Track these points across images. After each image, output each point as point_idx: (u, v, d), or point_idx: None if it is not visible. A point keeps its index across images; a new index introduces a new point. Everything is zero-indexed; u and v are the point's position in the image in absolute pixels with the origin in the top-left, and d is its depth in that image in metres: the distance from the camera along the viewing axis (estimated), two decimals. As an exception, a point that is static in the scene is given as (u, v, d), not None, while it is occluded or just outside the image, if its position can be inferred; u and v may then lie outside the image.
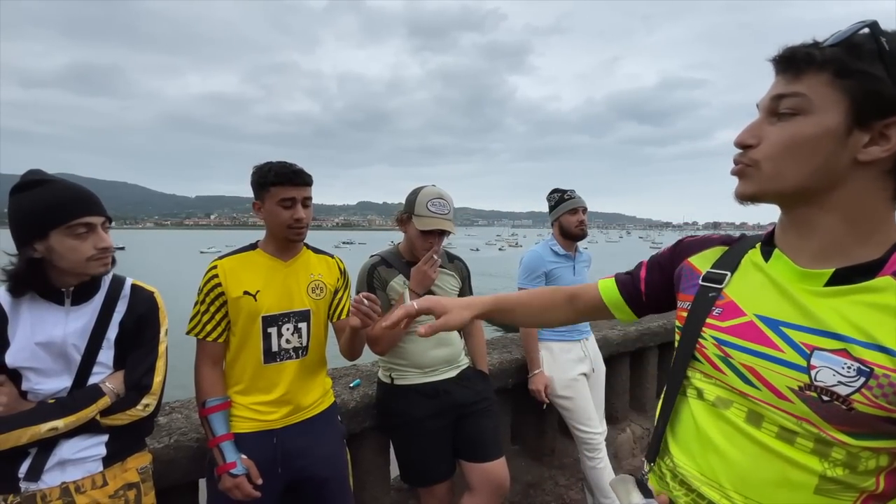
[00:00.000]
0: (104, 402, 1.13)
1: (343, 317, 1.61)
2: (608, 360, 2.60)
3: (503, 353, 2.47)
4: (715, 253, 0.81)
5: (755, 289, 0.71)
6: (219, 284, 1.42)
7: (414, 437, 1.70)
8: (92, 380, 1.16)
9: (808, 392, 0.62)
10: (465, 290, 1.90)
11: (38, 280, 1.12)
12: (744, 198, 0.70)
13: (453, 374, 1.79)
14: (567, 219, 2.25)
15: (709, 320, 0.74)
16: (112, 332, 1.19)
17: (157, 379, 1.22)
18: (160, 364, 1.24)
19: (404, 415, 1.71)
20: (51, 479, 1.09)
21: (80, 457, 1.12)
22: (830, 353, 0.61)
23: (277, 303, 1.46)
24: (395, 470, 1.91)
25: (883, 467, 0.62)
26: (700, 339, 0.75)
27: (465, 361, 1.87)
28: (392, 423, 1.75)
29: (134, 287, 1.27)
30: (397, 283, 1.73)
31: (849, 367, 0.59)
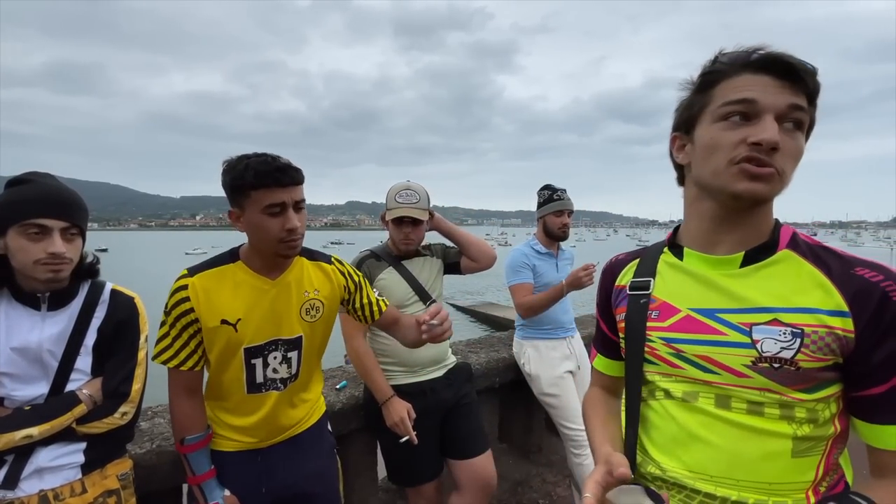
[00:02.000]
0: (80, 409, 1.11)
1: (377, 317, 1.43)
2: (594, 358, 2.63)
3: (490, 353, 2.48)
4: (630, 268, 0.88)
5: (680, 286, 0.78)
6: (191, 310, 1.16)
7: (401, 437, 1.70)
8: (69, 386, 1.13)
9: (760, 364, 0.69)
10: (451, 254, 1.92)
11: (1, 276, 1.09)
12: (761, 201, 0.71)
13: (440, 373, 1.80)
14: (552, 219, 2.28)
15: (650, 323, 0.79)
16: (90, 338, 1.17)
17: (136, 387, 1.20)
18: (139, 371, 1.21)
19: (391, 415, 1.71)
20: (28, 486, 1.06)
21: (58, 464, 1.10)
22: (765, 325, 0.69)
23: (262, 331, 1.23)
24: (382, 471, 1.91)
25: (835, 413, 0.71)
26: (648, 343, 0.79)
27: (451, 360, 1.88)
28: (379, 424, 1.74)
29: (114, 292, 1.24)
30: (385, 275, 1.75)
31: (784, 333, 0.67)
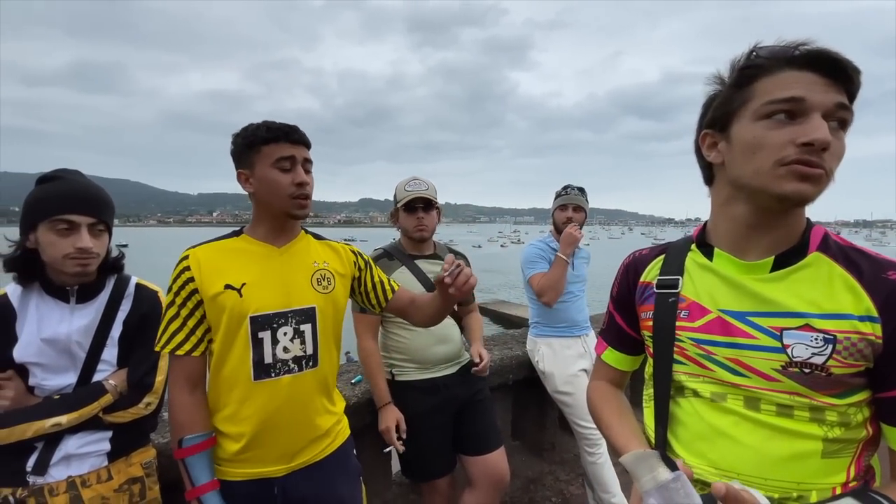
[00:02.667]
0: (107, 399, 1.14)
1: (390, 297, 1.37)
2: (608, 357, 2.61)
3: (504, 350, 2.48)
4: (656, 264, 0.86)
5: (711, 287, 0.77)
6: (191, 279, 1.10)
7: (415, 432, 1.72)
8: (96, 377, 1.17)
9: (790, 369, 0.68)
10: None
11: (31, 269, 1.13)
12: (804, 202, 0.69)
13: (454, 370, 1.81)
14: (557, 213, 2.30)
15: (680, 323, 0.78)
16: (116, 330, 1.20)
17: (159, 378, 1.22)
18: (162, 363, 1.23)
19: (405, 410, 1.73)
20: (57, 472, 1.10)
21: (85, 451, 1.14)
22: (796, 330, 0.68)
23: (270, 299, 1.13)
24: (395, 464, 1.93)
25: (868, 417, 0.70)
26: (677, 342, 0.78)
27: (465, 358, 1.89)
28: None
29: (138, 286, 1.27)
30: (398, 275, 1.76)
31: (816, 339, 0.67)
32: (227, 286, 1.11)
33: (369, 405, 1.87)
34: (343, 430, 1.32)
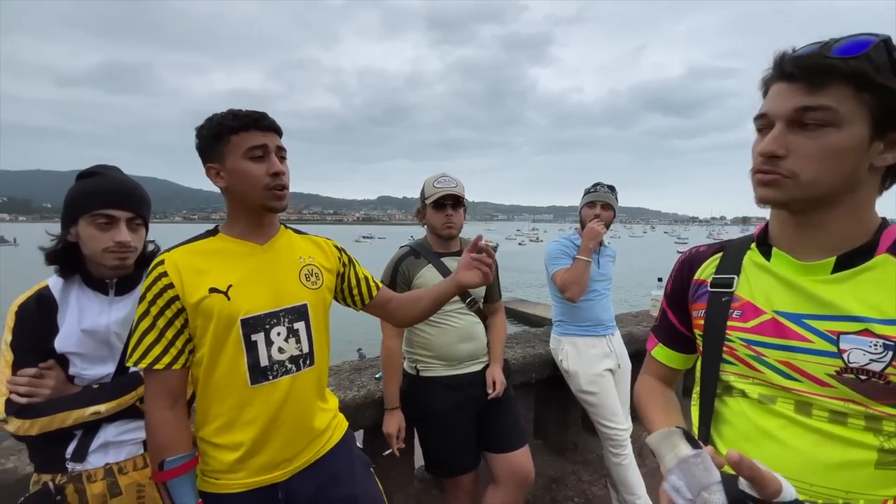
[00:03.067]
0: (142, 389, 1.16)
1: (374, 293, 1.34)
2: (633, 357, 2.57)
3: (526, 348, 2.46)
4: (712, 262, 0.85)
5: (767, 287, 0.75)
6: (170, 286, 1.01)
7: (439, 428, 1.73)
8: (133, 367, 1.20)
9: (845, 375, 0.66)
10: (494, 280, 1.90)
11: (72, 263, 1.16)
12: (772, 204, 0.73)
13: (478, 367, 1.81)
14: (585, 211, 2.25)
15: (731, 323, 0.77)
16: None
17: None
18: None
19: (429, 406, 1.74)
20: (95, 460, 1.14)
21: (123, 440, 1.17)
22: (855, 335, 0.66)
23: (260, 299, 1.08)
24: (419, 459, 1.94)
25: None
26: (727, 342, 0.77)
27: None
28: (417, 413, 1.77)
29: None
30: (425, 272, 1.75)
31: (875, 345, 0.64)
32: (212, 290, 1.04)
33: (394, 400, 1.89)
34: (340, 425, 1.28)
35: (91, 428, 1.14)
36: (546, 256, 2.26)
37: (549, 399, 2.59)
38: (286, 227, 1.24)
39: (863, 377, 0.65)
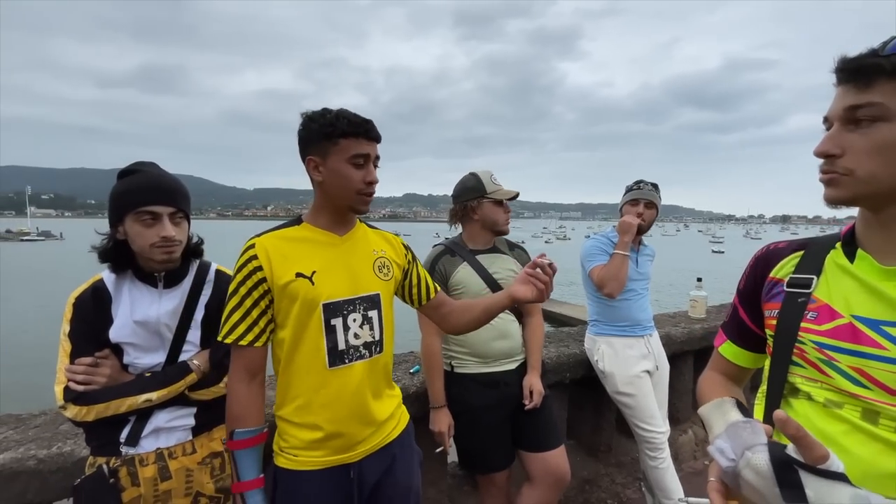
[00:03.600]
0: (192, 378, 1.21)
1: (433, 296, 1.39)
2: (671, 359, 2.49)
3: (560, 347, 2.43)
4: (791, 260, 0.82)
5: (847, 290, 0.73)
6: (259, 268, 1.10)
7: (474, 425, 1.72)
8: (182, 356, 1.25)
9: None
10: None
11: (124, 259, 1.20)
12: (837, 203, 0.72)
13: (513, 366, 1.79)
14: (627, 209, 2.18)
15: (805, 324, 0.75)
16: (199, 313, 1.28)
17: None
18: None
19: (463, 403, 1.74)
20: (147, 444, 1.18)
21: (173, 426, 1.21)
22: None
23: (340, 286, 1.16)
24: (451, 454, 1.95)
25: None
26: (798, 344, 0.75)
27: (524, 354, 1.86)
28: (451, 409, 1.78)
29: (218, 272, 1.35)
30: (461, 270, 1.76)
31: None
32: (299, 274, 1.12)
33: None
34: (404, 414, 1.36)
35: (143, 414, 1.18)
36: (582, 254, 2.22)
37: (583, 399, 2.55)
38: (360, 221, 1.32)
39: None
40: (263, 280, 1.11)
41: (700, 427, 2.94)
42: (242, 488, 1.08)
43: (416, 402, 1.88)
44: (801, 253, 0.82)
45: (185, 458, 1.21)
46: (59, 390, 1.12)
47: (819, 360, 0.73)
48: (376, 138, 1.17)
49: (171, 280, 1.26)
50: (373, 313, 1.21)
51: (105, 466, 1.13)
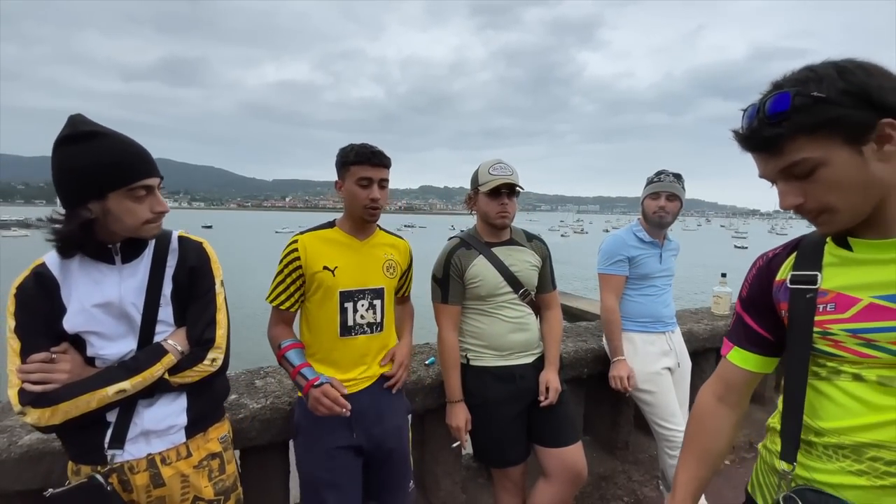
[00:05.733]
0: (168, 360, 1.08)
1: (407, 294, 1.76)
2: (694, 356, 2.43)
3: (578, 342, 2.39)
4: (789, 262, 0.86)
5: (856, 276, 0.76)
6: (297, 258, 1.47)
7: (490, 419, 1.70)
8: (157, 339, 1.11)
9: None
10: (546, 268, 1.85)
11: (88, 241, 1.05)
12: (838, 234, 0.78)
13: (529, 360, 1.76)
14: (648, 202, 2.10)
15: (825, 317, 0.77)
16: (167, 287, 1.14)
17: (220, 332, 1.17)
18: (220, 317, 1.18)
19: (479, 395, 1.72)
20: (136, 450, 1.07)
21: (164, 426, 1.11)
22: None
23: (354, 279, 1.50)
24: (466, 448, 1.94)
25: None
26: (830, 336, 0.77)
27: (541, 348, 1.83)
28: (467, 402, 1.76)
29: (181, 239, 1.20)
30: (477, 262, 1.72)
31: None
32: (325, 267, 1.49)
33: (444, 386, 1.89)
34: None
35: (126, 410, 1.06)
36: (602, 251, 2.15)
37: (601, 395, 2.51)
38: (380, 228, 1.66)
39: None
40: (299, 267, 1.48)
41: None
42: (298, 369, 1.43)
43: (432, 394, 1.87)
44: (795, 252, 0.86)
45: (181, 463, 1.12)
46: (13, 394, 0.98)
47: (858, 346, 0.75)
48: (382, 164, 1.48)
49: (130, 253, 1.11)
50: (377, 302, 1.55)
51: (98, 476, 1.02)
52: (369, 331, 1.53)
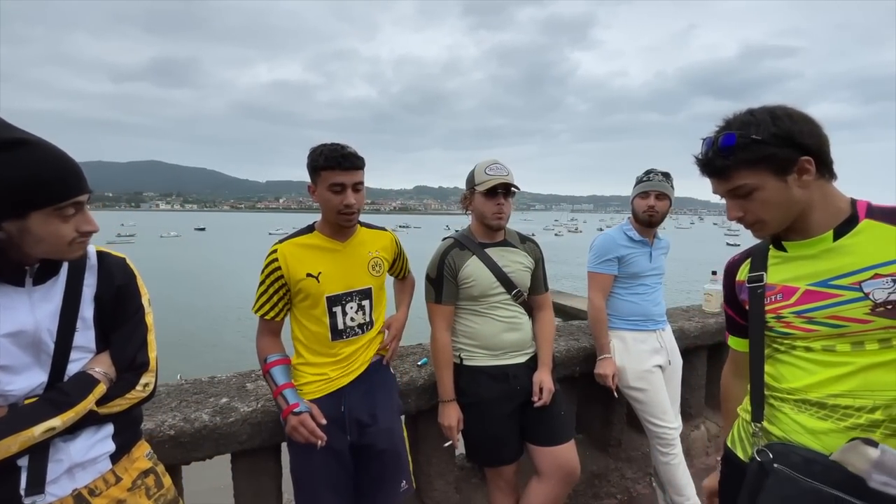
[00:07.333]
0: (100, 389, 0.98)
1: (405, 273, 1.81)
2: (685, 353, 2.45)
3: (570, 341, 2.40)
4: (746, 266, 1.10)
5: (792, 270, 0.99)
6: (278, 268, 1.46)
7: (483, 418, 1.71)
8: (71, 367, 0.98)
9: (878, 310, 0.88)
10: (539, 270, 1.86)
11: (3, 264, 0.91)
12: (767, 237, 1.04)
13: (522, 359, 1.77)
14: (637, 202, 2.11)
15: (776, 305, 0.99)
16: (87, 309, 1.01)
17: (153, 355, 1.09)
18: (151, 338, 1.10)
19: (472, 395, 1.72)
20: (59, 489, 0.95)
21: (91, 457, 1.00)
22: (870, 280, 0.89)
23: (340, 283, 1.50)
24: (459, 448, 1.94)
25: None
26: (782, 319, 0.99)
27: (534, 348, 1.84)
28: (460, 401, 1.77)
29: (101, 254, 1.07)
30: (470, 263, 1.73)
31: (886, 282, 0.87)
32: (308, 275, 1.47)
33: (437, 387, 1.89)
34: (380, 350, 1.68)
35: (40, 449, 0.92)
36: (593, 250, 2.16)
37: (594, 393, 2.52)
38: (361, 224, 1.61)
39: (889, 307, 0.87)
40: (281, 277, 1.46)
41: (712, 422, 2.90)
42: (280, 389, 1.43)
43: (425, 395, 1.87)
44: (749, 258, 1.09)
45: (112, 490, 1.03)
46: None
47: (803, 323, 0.96)
48: (354, 167, 1.42)
49: (43, 273, 0.96)
50: (365, 302, 1.57)
51: None
52: (360, 332, 1.54)
